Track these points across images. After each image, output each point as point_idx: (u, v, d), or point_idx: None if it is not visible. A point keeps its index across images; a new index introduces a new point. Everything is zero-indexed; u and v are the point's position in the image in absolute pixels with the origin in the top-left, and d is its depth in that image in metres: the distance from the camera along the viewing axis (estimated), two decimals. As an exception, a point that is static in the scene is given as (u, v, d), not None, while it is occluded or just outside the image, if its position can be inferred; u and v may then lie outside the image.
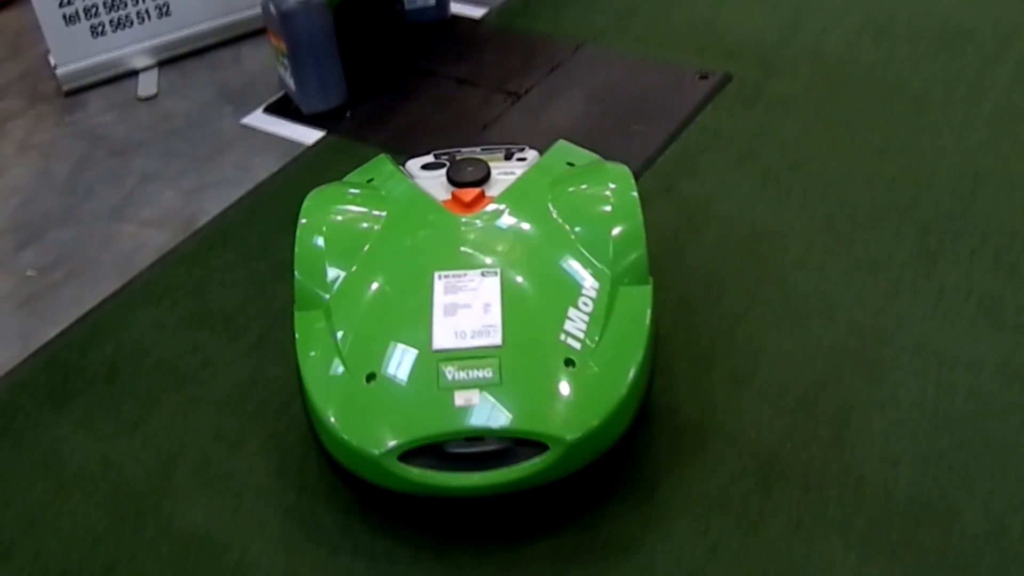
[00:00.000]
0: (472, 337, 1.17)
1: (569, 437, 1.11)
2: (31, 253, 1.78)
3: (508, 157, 1.48)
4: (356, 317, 1.23)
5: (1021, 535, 1.15)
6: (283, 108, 2.09)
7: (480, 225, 1.30)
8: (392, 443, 1.11)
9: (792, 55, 2.07)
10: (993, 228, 1.58)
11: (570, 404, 1.15)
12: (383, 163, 1.50)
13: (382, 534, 1.22)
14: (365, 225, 1.33)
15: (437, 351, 1.16)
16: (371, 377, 1.17)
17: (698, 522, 1.20)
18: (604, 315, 1.21)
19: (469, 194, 1.33)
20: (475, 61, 2.18)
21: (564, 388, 1.16)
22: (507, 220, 1.31)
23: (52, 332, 1.58)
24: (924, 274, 1.51)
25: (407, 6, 2.27)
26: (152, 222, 1.82)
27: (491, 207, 1.32)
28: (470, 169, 1.38)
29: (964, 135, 1.79)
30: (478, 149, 1.51)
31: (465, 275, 1.23)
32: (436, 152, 1.51)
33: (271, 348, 1.51)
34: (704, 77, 2.02)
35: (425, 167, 1.46)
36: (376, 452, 1.12)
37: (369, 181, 1.45)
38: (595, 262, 1.25)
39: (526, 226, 1.31)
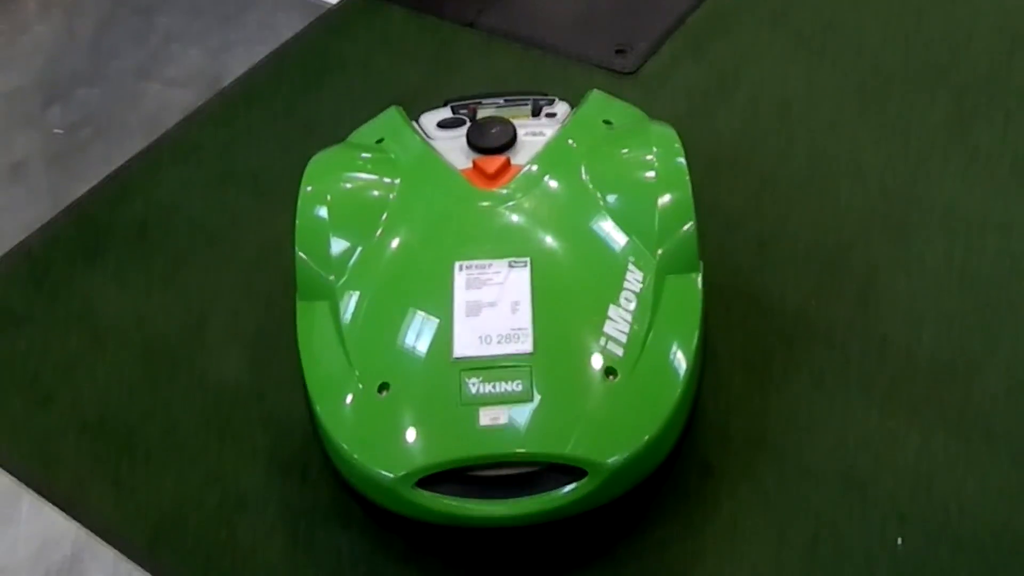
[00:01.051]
0: (499, 343, 1.02)
1: (610, 461, 0.98)
2: (58, 111, 1.78)
3: (536, 112, 1.30)
4: (366, 314, 1.09)
5: (1041, 393, 1.16)
6: (306, -34, 2.04)
7: (506, 203, 1.14)
8: (407, 467, 0.99)
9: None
10: (1031, 91, 1.55)
11: (611, 423, 1.01)
12: (394, 118, 1.32)
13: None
14: (376, 194, 1.17)
15: (459, 359, 1.02)
16: (383, 387, 1.03)
17: (721, 378, 1.22)
18: (650, 313, 1.06)
19: (493, 163, 1.16)
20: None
21: (605, 403, 1.02)
22: (537, 196, 1.15)
23: (81, 189, 1.59)
24: (957, 137, 1.49)
25: None
26: (177, 81, 1.81)
27: (518, 178, 1.15)
28: (494, 131, 1.20)
29: (1006, -5, 1.75)
30: (501, 100, 1.34)
31: (490, 266, 1.08)
32: (453, 104, 1.34)
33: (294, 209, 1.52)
34: (738, -65, 1.95)
35: (442, 124, 1.28)
36: (390, 476, 0.99)
37: (378, 141, 1.27)
38: (639, 244, 1.10)
39: (559, 204, 1.16)
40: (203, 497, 1.17)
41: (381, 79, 1.75)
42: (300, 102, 1.72)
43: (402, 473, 0.98)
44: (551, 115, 1.30)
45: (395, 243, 1.13)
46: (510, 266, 1.07)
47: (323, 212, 1.16)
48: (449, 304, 1.05)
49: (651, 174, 1.16)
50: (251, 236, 1.48)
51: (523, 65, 1.74)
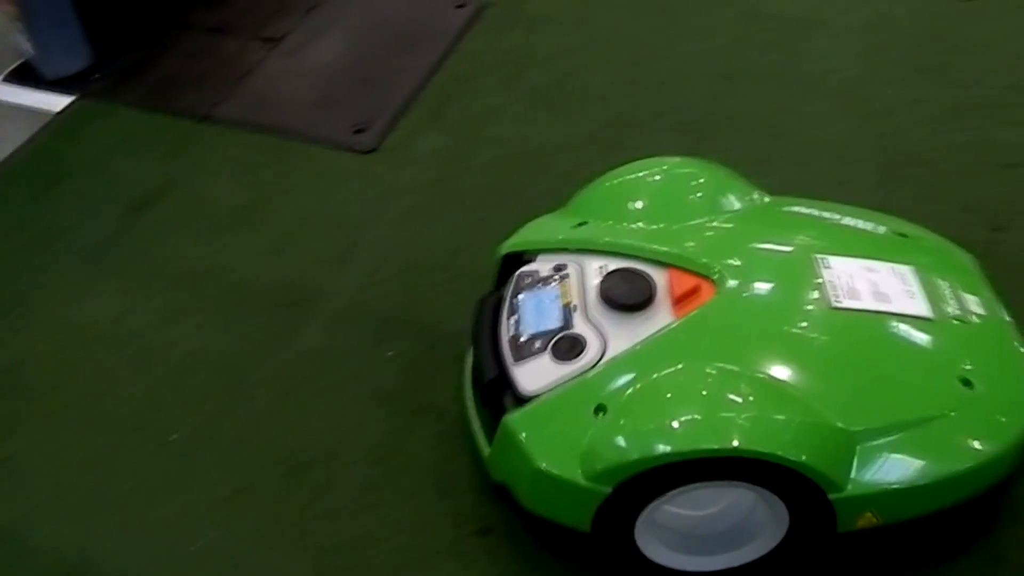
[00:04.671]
0: (908, 282, 1.08)
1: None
2: None
3: (558, 278, 1.15)
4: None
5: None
6: (25, 75, 1.96)
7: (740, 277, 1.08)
8: None
9: (547, -25, 2.10)
10: (742, 124, 1.66)
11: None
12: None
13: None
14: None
15: (945, 317, 1.05)
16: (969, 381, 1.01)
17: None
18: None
19: (682, 285, 1.07)
20: (226, 8, 2.10)
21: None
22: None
23: None
24: (686, 173, 1.57)
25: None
26: None
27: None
28: (629, 287, 1.08)
29: (711, 39, 1.87)
30: (511, 319, 1.12)
31: (828, 283, 1.06)
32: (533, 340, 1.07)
33: (39, 326, 1.43)
34: (461, 6, 2.01)
35: (558, 353, 1.04)
36: None
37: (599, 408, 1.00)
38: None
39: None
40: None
41: (119, 181, 1.69)
42: (33, 213, 1.63)
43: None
44: (561, 267, 1.17)
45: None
46: (820, 264, 1.09)
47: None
48: (880, 319, 1.04)
49: None
50: (-12, 362, 1.39)
51: (264, 152, 1.72)
